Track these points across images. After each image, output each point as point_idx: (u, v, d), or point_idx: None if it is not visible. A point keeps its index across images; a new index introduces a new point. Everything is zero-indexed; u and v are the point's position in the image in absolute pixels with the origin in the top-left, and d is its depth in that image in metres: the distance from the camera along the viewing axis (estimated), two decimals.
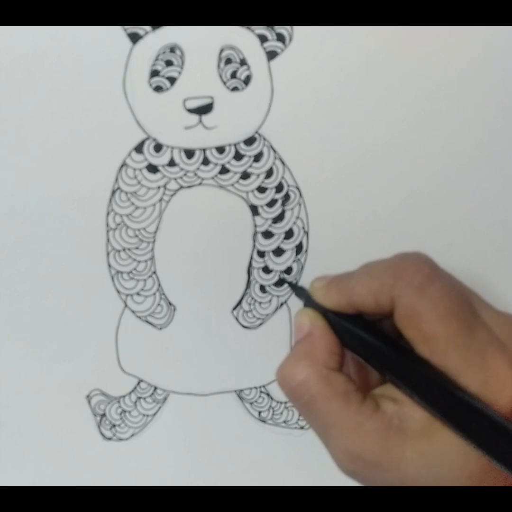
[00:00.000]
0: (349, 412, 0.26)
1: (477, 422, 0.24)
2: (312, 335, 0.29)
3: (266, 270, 0.35)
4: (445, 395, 0.25)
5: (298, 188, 0.34)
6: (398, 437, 0.26)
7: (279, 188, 0.34)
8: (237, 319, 0.36)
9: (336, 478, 0.37)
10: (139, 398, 0.36)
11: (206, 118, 0.33)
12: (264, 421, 0.37)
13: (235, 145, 0.33)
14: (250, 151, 0.34)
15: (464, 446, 0.25)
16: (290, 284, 0.35)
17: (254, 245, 0.35)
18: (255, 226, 0.34)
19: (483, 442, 0.24)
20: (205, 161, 0.33)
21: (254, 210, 0.34)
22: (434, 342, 0.25)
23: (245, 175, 0.34)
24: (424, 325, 0.26)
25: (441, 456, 0.25)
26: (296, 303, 0.36)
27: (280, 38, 0.32)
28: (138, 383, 0.36)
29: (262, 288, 0.35)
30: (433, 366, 0.26)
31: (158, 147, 0.33)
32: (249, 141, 0.33)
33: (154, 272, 0.35)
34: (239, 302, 0.35)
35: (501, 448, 0.24)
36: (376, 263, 0.28)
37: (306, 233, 0.35)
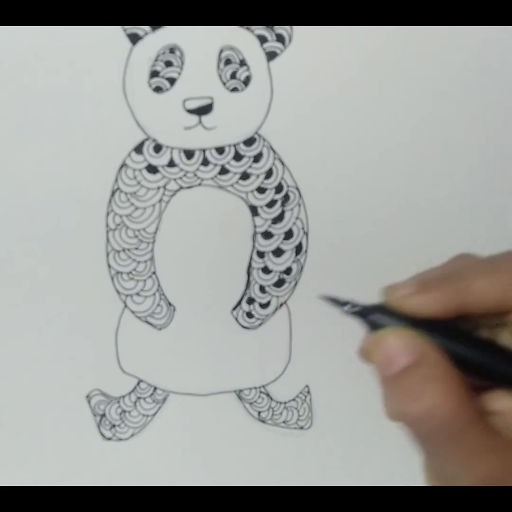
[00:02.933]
0: (485, 433, 0.23)
1: None
2: (426, 356, 0.23)
3: (266, 270, 0.35)
4: None
5: (297, 189, 0.34)
6: None
7: (278, 188, 0.34)
8: (236, 319, 0.36)
9: (336, 478, 0.37)
10: (139, 398, 0.36)
11: (205, 118, 0.33)
12: (263, 421, 0.37)
13: (234, 145, 0.33)
14: (249, 152, 0.34)
15: None
16: (351, 308, 0.25)
17: (253, 246, 0.35)
18: (255, 226, 0.34)
19: None
20: (205, 162, 0.33)
21: (254, 210, 0.34)
22: None
23: (244, 176, 0.34)
24: None
25: None
26: (295, 303, 0.36)
27: (280, 38, 0.32)
28: (138, 383, 0.36)
29: (262, 289, 0.35)
30: None
31: (157, 148, 0.33)
32: (249, 142, 0.33)
33: (154, 273, 0.35)
34: (239, 303, 0.35)
35: None
36: (494, 259, 0.24)
37: (306, 233, 0.35)
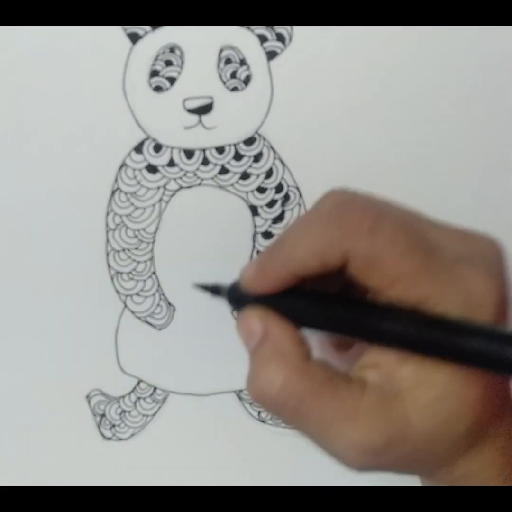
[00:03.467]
0: (340, 400, 0.24)
1: (471, 342, 0.23)
2: (269, 334, 0.25)
3: None
4: (431, 330, 0.24)
5: (298, 189, 0.34)
6: (396, 403, 0.24)
7: (279, 188, 0.34)
8: (236, 319, 0.36)
9: (336, 478, 0.37)
10: (139, 398, 0.36)
11: (205, 118, 0.33)
12: (263, 421, 0.37)
13: (234, 145, 0.33)
14: (249, 151, 0.34)
15: (460, 379, 0.24)
16: (209, 289, 0.30)
17: (254, 246, 0.35)
18: (255, 226, 0.34)
19: (482, 360, 0.23)
20: (205, 161, 0.33)
21: (254, 210, 0.34)
22: (403, 281, 0.24)
23: (245, 176, 0.34)
24: (389, 268, 0.24)
25: (443, 398, 0.24)
26: None
27: (280, 38, 0.32)
28: (138, 383, 0.36)
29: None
30: (406, 307, 0.24)
31: (157, 147, 0.33)
32: (249, 141, 0.33)
33: (154, 273, 0.35)
34: None
35: (503, 356, 0.23)
36: (309, 220, 0.26)
37: None
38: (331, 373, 0.25)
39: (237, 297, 0.27)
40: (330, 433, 0.24)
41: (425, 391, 0.24)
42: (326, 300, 0.26)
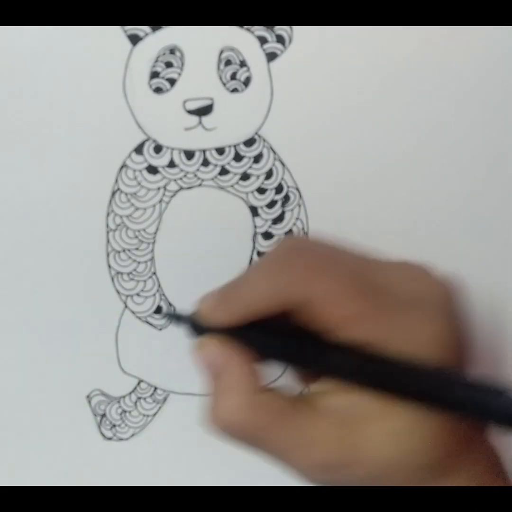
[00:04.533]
0: (297, 427, 0.25)
1: (423, 382, 0.24)
2: (226, 366, 0.26)
3: None
4: (377, 368, 0.24)
5: (298, 189, 0.34)
6: (359, 429, 0.24)
7: (279, 189, 0.34)
8: None
9: None
10: (139, 398, 0.36)
11: (206, 119, 0.33)
12: None
13: (235, 146, 0.33)
14: (250, 152, 0.34)
15: (419, 412, 0.24)
16: (170, 315, 0.30)
17: (254, 246, 0.35)
18: (255, 227, 0.34)
19: (435, 398, 0.23)
20: (205, 162, 0.33)
21: (254, 211, 0.34)
22: (349, 324, 0.24)
23: (245, 176, 0.34)
24: (334, 311, 0.25)
25: (400, 431, 0.24)
26: None
27: (280, 39, 0.32)
28: (138, 384, 0.36)
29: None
30: (358, 346, 0.25)
31: (158, 148, 0.33)
32: (249, 142, 0.33)
33: (154, 273, 0.35)
34: None
35: (456, 396, 0.23)
36: (266, 264, 0.27)
37: (306, 234, 0.35)
38: (285, 403, 0.25)
39: (196, 325, 0.28)
40: (290, 457, 0.25)
41: (382, 422, 0.25)
42: (280, 337, 0.26)
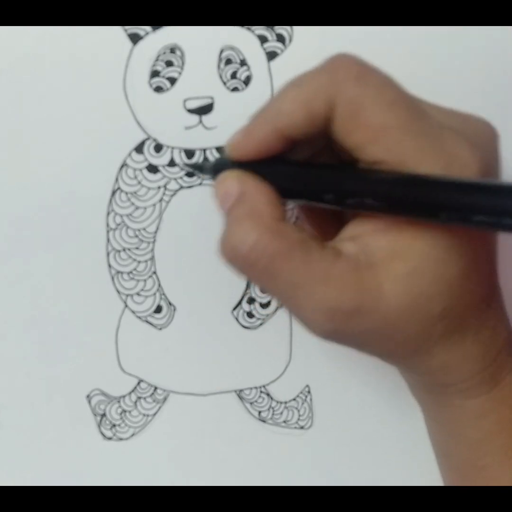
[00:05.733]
0: (313, 262, 0.23)
1: (452, 198, 0.21)
2: (246, 194, 0.25)
3: None
4: (412, 189, 0.22)
5: None
6: (370, 272, 0.23)
7: None
8: (237, 319, 0.36)
9: (336, 478, 0.37)
10: (139, 398, 0.36)
11: (206, 118, 0.33)
12: (264, 421, 0.37)
13: None
14: None
15: (438, 253, 0.23)
16: (194, 167, 0.30)
17: None
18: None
19: (466, 216, 0.21)
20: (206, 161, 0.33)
21: None
22: (387, 135, 0.23)
23: None
24: (373, 119, 0.23)
25: (418, 271, 0.24)
26: None
27: (280, 38, 0.32)
28: (138, 383, 0.36)
29: (262, 288, 0.35)
30: (387, 169, 0.23)
31: (158, 147, 0.33)
32: None
33: (154, 272, 0.35)
34: (239, 302, 0.35)
35: (492, 207, 0.21)
36: (299, 76, 0.25)
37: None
38: (306, 236, 0.24)
39: (221, 169, 0.26)
40: (299, 294, 0.24)
41: (400, 263, 0.24)
42: (306, 167, 0.25)
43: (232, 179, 0.25)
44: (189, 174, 0.34)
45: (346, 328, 0.24)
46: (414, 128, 0.23)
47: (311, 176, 0.25)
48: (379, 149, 0.23)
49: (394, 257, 0.24)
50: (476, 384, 0.27)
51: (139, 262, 0.35)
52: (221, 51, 0.32)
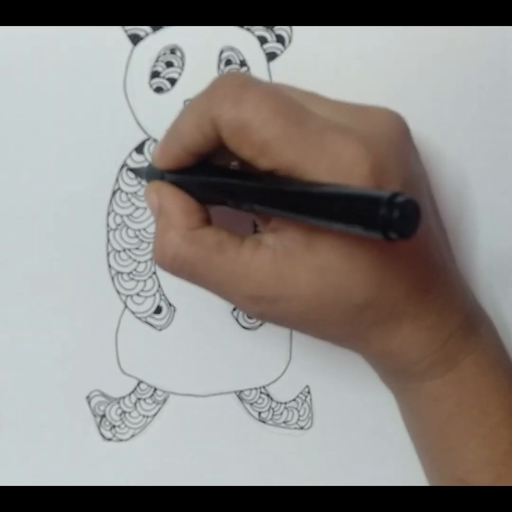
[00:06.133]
0: (230, 261, 0.26)
1: (344, 204, 0.21)
2: (163, 206, 0.27)
3: None
4: (304, 195, 0.23)
5: None
6: (287, 263, 0.25)
7: None
8: (237, 319, 0.36)
9: (336, 478, 0.37)
10: (139, 399, 0.36)
11: None
12: (264, 422, 0.37)
13: None
14: None
15: (346, 249, 0.24)
16: (132, 170, 0.33)
17: None
18: (255, 225, 0.34)
19: (358, 219, 0.21)
20: None
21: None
22: (269, 148, 0.24)
23: None
24: (253, 135, 0.24)
25: (330, 264, 0.24)
26: None
27: (280, 39, 0.32)
28: (138, 384, 0.36)
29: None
30: (279, 175, 0.24)
31: None
32: None
33: (154, 273, 0.35)
34: None
35: (378, 214, 0.20)
36: (195, 96, 0.27)
37: None
38: (221, 238, 0.26)
39: (152, 175, 0.29)
40: (226, 290, 0.26)
41: (314, 256, 0.25)
42: (214, 175, 0.27)
43: (152, 193, 0.28)
44: None
45: (272, 312, 0.26)
46: (294, 135, 0.24)
47: (214, 185, 0.27)
48: (267, 160, 0.24)
49: (308, 249, 0.25)
50: (427, 367, 0.27)
51: (139, 262, 0.35)
52: (221, 52, 0.32)
